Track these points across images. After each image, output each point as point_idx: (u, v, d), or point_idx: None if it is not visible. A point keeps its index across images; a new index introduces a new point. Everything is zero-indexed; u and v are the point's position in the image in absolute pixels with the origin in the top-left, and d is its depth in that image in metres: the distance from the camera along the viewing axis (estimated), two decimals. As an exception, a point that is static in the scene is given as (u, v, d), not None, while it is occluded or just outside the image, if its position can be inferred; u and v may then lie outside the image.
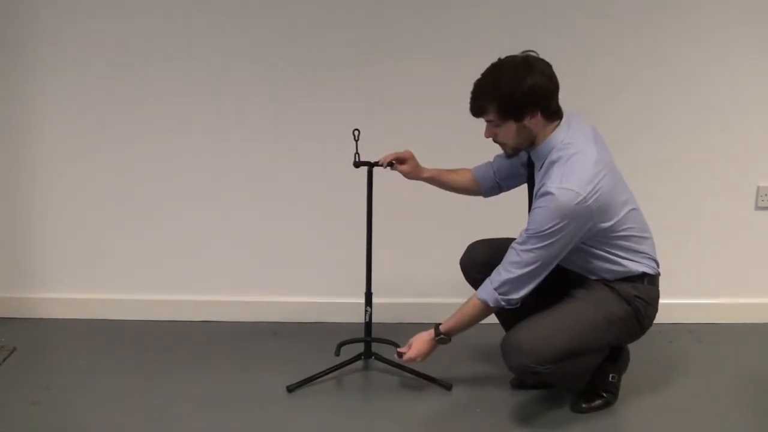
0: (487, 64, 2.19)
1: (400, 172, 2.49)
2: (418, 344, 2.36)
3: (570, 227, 2.11)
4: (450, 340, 2.35)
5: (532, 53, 2.17)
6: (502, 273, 2.21)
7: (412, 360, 2.37)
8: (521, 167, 2.45)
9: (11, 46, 2.89)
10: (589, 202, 2.09)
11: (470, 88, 2.18)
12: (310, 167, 3.00)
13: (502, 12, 2.88)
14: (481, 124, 2.26)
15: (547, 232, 2.12)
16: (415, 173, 2.50)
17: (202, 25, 2.89)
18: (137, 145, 2.98)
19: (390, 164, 2.47)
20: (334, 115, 2.94)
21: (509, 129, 2.18)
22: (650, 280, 2.31)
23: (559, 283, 2.38)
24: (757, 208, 3.07)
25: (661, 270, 2.35)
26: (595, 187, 2.10)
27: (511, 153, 2.28)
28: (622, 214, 2.20)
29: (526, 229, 2.18)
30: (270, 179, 3.03)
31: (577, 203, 2.08)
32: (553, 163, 2.16)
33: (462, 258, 2.52)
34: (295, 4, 2.88)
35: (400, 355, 2.39)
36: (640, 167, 2.80)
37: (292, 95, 2.95)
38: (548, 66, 2.15)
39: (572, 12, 2.90)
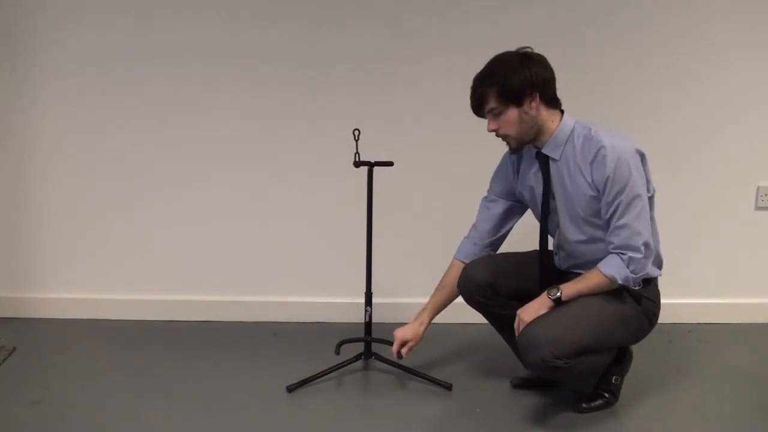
0: (489, 64, 2.20)
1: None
2: (533, 309, 2.22)
3: (639, 166, 2.17)
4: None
5: (528, 49, 2.21)
6: (635, 251, 2.15)
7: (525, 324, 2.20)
8: (499, 218, 2.45)
9: (12, 45, 2.89)
10: (641, 150, 2.19)
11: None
12: (310, 167, 3.00)
13: (505, 12, 2.88)
14: (480, 124, 2.25)
15: (633, 172, 2.13)
16: (421, 332, 2.46)
17: (203, 25, 2.90)
18: (137, 145, 2.99)
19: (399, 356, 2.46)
20: (334, 114, 2.94)
21: (511, 116, 2.18)
22: (654, 281, 2.32)
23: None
24: (757, 208, 3.07)
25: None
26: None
27: (515, 147, 2.27)
28: (649, 192, 2.22)
29: (615, 198, 2.14)
30: (270, 179, 3.03)
31: (634, 148, 2.17)
32: (587, 136, 2.19)
33: (459, 281, 2.42)
34: (295, 3, 2.88)
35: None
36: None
37: (292, 95, 2.95)
38: (544, 58, 2.20)
39: (575, 13, 2.90)
